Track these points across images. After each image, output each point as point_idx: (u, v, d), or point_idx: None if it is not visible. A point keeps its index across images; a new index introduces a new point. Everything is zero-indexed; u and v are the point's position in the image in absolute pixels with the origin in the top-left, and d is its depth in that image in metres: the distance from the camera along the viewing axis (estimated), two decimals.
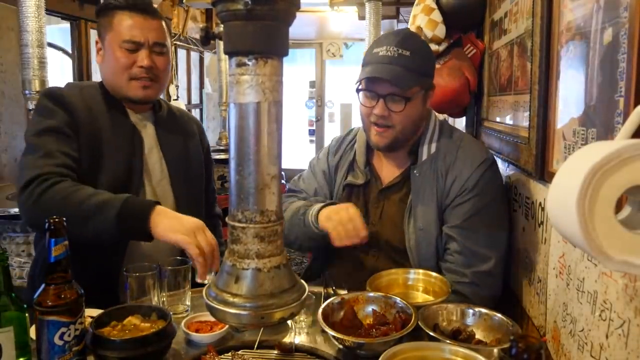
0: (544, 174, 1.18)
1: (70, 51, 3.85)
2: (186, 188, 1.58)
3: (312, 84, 7.65)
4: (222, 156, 4.45)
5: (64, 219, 0.93)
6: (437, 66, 2.15)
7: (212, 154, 1.86)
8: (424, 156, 1.45)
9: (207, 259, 1.21)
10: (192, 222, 1.24)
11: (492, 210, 1.40)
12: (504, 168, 1.68)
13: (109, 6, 1.47)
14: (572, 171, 0.62)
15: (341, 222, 1.36)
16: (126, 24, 1.44)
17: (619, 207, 0.62)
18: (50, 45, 3.20)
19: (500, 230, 1.41)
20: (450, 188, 1.40)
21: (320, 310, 1.11)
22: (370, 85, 1.39)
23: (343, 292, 1.28)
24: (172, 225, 1.21)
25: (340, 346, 1.07)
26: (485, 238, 1.37)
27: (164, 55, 1.50)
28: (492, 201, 1.40)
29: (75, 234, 1.21)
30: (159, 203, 1.26)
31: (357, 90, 1.43)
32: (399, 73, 1.33)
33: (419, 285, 1.33)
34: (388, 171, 1.53)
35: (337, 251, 1.53)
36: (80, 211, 1.22)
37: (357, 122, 1.49)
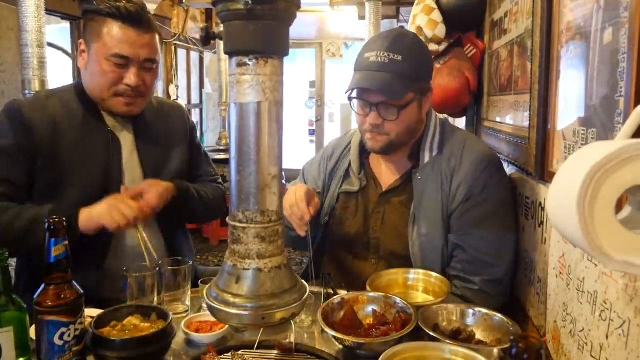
0: (544, 174, 1.18)
1: (70, 51, 3.86)
2: None
3: (312, 84, 7.64)
4: (222, 156, 4.43)
5: (64, 219, 0.93)
6: (437, 66, 2.15)
7: (212, 154, 1.83)
8: (426, 159, 1.38)
9: (133, 222, 1.29)
10: (105, 201, 1.31)
11: (500, 213, 1.34)
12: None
13: (100, 12, 1.34)
14: (572, 171, 0.62)
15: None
16: (117, 37, 1.33)
17: (619, 207, 0.62)
18: (50, 45, 3.20)
19: (509, 232, 1.35)
20: (456, 192, 1.33)
21: (320, 310, 1.11)
22: (361, 93, 1.33)
23: (343, 292, 1.28)
24: (90, 213, 1.29)
25: (340, 346, 1.07)
26: (495, 244, 1.32)
27: (153, 70, 1.42)
28: (500, 204, 1.35)
29: (13, 251, 1.18)
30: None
31: (350, 99, 1.36)
32: (389, 81, 1.26)
33: (419, 285, 1.33)
34: (388, 175, 1.47)
35: (334, 259, 1.51)
36: (13, 232, 1.26)
37: (357, 123, 1.45)
